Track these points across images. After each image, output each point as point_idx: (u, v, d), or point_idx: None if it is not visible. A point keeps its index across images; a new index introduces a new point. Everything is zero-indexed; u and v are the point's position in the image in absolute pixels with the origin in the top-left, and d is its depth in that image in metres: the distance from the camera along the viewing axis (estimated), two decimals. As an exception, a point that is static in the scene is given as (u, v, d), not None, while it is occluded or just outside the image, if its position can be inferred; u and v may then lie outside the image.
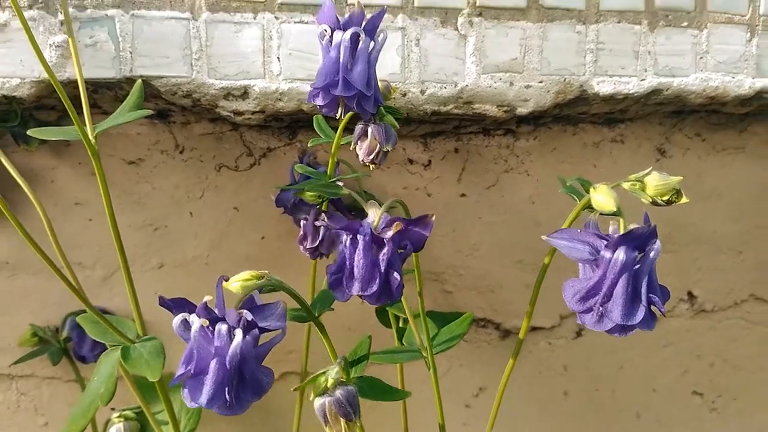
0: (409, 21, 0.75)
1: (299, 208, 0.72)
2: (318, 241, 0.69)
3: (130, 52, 0.70)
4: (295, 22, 0.73)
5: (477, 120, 0.83)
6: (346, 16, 0.57)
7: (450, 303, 0.93)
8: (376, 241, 0.52)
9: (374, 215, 0.54)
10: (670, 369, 1.01)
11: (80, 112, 0.62)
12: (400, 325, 0.83)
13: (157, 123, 0.80)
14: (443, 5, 0.76)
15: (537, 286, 0.60)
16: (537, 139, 0.90)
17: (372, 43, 0.58)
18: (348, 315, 0.87)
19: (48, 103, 0.75)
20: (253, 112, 0.75)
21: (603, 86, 0.80)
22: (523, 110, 0.80)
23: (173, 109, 0.79)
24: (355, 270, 0.51)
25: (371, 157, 0.60)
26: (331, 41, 0.58)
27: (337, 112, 0.59)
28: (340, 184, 0.68)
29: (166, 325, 0.70)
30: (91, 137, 0.59)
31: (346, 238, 0.52)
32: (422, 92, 0.76)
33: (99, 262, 0.83)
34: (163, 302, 0.47)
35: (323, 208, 0.69)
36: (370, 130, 0.60)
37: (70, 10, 0.67)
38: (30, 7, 0.68)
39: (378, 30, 0.59)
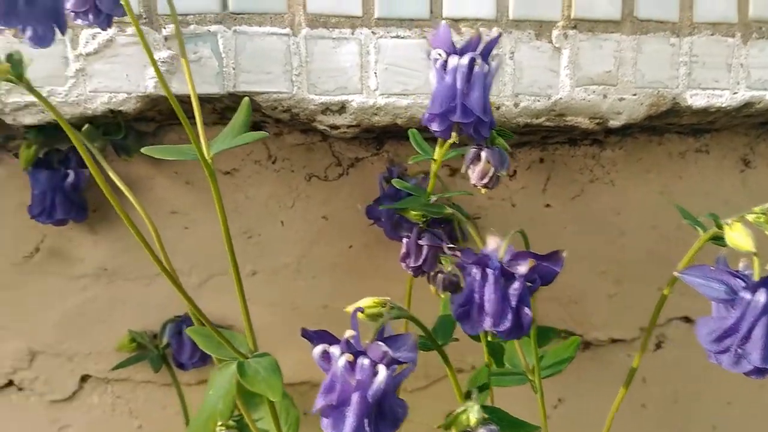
0: (504, 34, 0.75)
1: (399, 225, 0.72)
2: (422, 260, 0.69)
3: (233, 68, 0.72)
4: (391, 37, 0.74)
5: (565, 131, 0.83)
6: (463, 40, 0.57)
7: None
8: (505, 275, 0.52)
9: (496, 245, 0.55)
10: (747, 383, 0.99)
11: (178, 125, 0.63)
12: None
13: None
14: (538, 18, 0.76)
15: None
16: (623, 149, 0.89)
17: (487, 68, 0.58)
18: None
19: (147, 115, 0.77)
20: (349, 126, 0.76)
21: (696, 99, 0.80)
22: (615, 123, 0.80)
23: (267, 121, 0.80)
24: (486, 305, 0.52)
25: (484, 180, 0.61)
26: (445, 66, 0.59)
27: (450, 136, 0.60)
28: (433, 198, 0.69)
29: (260, 333, 0.72)
30: (208, 158, 0.61)
31: (475, 272, 0.53)
32: (516, 105, 0.76)
33: (194, 269, 0.85)
34: (306, 334, 0.48)
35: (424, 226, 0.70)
36: (483, 154, 0.61)
37: (173, 26, 0.69)
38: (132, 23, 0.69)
39: (492, 54, 0.59)
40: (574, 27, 0.77)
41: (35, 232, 0.80)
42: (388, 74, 0.74)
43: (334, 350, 0.48)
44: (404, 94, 0.75)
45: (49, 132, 0.73)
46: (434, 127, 0.60)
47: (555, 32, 0.77)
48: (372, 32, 0.74)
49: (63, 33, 0.50)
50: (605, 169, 0.90)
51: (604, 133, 0.87)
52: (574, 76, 0.77)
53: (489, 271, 0.52)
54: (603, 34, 0.78)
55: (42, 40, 0.49)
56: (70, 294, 0.83)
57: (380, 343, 0.46)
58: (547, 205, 0.90)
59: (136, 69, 0.69)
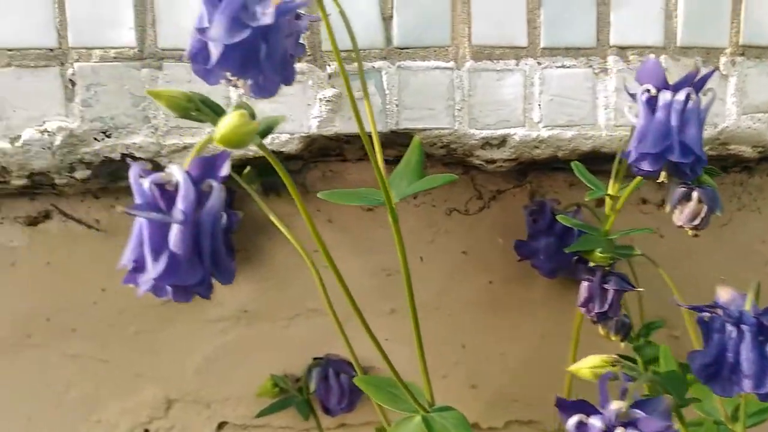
0: (671, 62, 0.72)
1: (576, 267, 0.68)
2: (607, 305, 0.66)
3: (396, 105, 0.68)
4: (556, 67, 0.70)
5: (721, 159, 0.79)
6: (683, 75, 0.54)
7: (677, 347, 0.89)
8: (763, 332, 0.48)
9: (730, 296, 0.51)
10: None
11: (322, 162, 0.60)
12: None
13: (392, 167, 0.78)
14: (706, 45, 0.73)
15: None
16: (770, 174, 0.85)
17: (701, 103, 0.55)
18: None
19: (300, 154, 0.74)
20: (506, 160, 0.73)
21: None
22: (778, 151, 0.76)
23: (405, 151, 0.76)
24: (744, 365, 0.48)
25: (695, 222, 0.57)
26: (654, 101, 0.55)
27: (659, 176, 0.56)
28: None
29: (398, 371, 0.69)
30: (393, 203, 0.57)
31: (729, 329, 0.49)
32: (681, 136, 0.73)
33: (338, 308, 0.81)
34: (560, 403, 0.44)
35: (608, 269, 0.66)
36: (695, 194, 0.57)
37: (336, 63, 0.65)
38: (299, 60, 0.66)
39: (705, 89, 0.55)
40: (742, 54, 0.73)
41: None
42: (553, 105, 0.71)
43: (594, 422, 0.45)
44: (569, 126, 0.71)
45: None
46: (644, 166, 0.56)
47: (723, 59, 0.73)
48: (537, 62, 0.70)
49: (289, 84, 0.47)
50: (752, 196, 0.86)
51: (757, 160, 0.83)
52: (740, 104, 0.74)
53: (744, 327, 0.48)
54: (770, 60, 0.74)
55: (264, 91, 0.45)
56: (209, 338, 0.79)
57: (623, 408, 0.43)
58: (696, 234, 0.86)
59: (300, 109, 0.66)
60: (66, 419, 0.78)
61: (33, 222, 0.72)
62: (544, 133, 0.71)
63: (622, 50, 0.71)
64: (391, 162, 0.74)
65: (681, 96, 0.54)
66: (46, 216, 0.73)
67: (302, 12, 0.49)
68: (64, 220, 0.73)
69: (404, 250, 0.60)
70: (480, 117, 0.70)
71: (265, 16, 0.42)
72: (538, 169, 0.82)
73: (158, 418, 0.81)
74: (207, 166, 0.42)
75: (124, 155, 0.65)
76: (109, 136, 0.64)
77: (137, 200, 0.41)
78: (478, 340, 0.86)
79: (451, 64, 0.69)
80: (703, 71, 0.55)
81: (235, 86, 0.45)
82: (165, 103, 0.44)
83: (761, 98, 0.74)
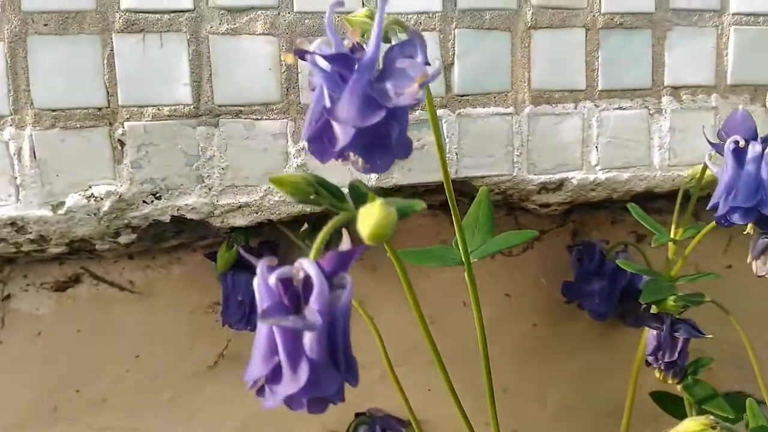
0: (721, 100, 0.72)
1: (643, 315, 0.67)
2: (677, 354, 0.64)
3: (456, 153, 0.66)
4: (614, 109, 0.69)
5: None
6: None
7: (710, 377, 0.89)
8: None
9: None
10: None
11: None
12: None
13: (439, 214, 0.76)
14: (754, 82, 0.72)
15: None
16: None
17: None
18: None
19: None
20: (561, 204, 0.71)
21: None
22: (817, 184, 0.76)
23: (463, 200, 0.74)
24: None
25: (777, 273, 0.57)
26: (743, 152, 0.54)
27: (744, 226, 0.56)
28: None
29: (436, 425, 0.67)
30: (471, 263, 0.55)
31: None
32: (731, 174, 0.72)
33: (377, 361, 0.78)
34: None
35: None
36: (778, 245, 0.57)
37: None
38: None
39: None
40: (788, 89, 0.73)
41: (212, 336, 0.72)
42: (610, 147, 0.70)
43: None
44: (625, 167, 0.71)
45: (248, 232, 0.65)
46: (735, 219, 0.56)
47: (769, 96, 0.73)
48: (595, 105, 0.69)
49: (407, 157, 0.43)
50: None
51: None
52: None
53: None
54: (814, 96, 0.75)
55: (380, 167, 0.42)
56: (246, 401, 0.75)
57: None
58: (729, 266, 0.86)
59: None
60: (95, 495, 0.72)
61: (62, 287, 0.67)
62: (601, 176, 0.70)
63: (675, 90, 0.71)
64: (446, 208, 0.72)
65: (772, 149, 0.53)
66: (76, 280, 0.67)
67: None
68: (95, 284, 0.68)
69: (481, 314, 0.58)
70: (538, 162, 0.68)
71: (403, 96, 0.38)
72: (581, 208, 0.81)
73: (195, 487, 0.76)
74: (339, 259, 0.38)
75: (174, 217, 0.60)
76: (159, 198, 0.60)
77: (265, 302, 0.37)
78: (520, 384, 0.85)
79: (510, 109, 0.67)
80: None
81: (346, 161, 0.41)
82: (288, 190, 0.41)
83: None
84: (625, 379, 0.86)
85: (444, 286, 0.80)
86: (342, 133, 0.39)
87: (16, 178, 0.57)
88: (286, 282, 0.38)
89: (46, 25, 0.56)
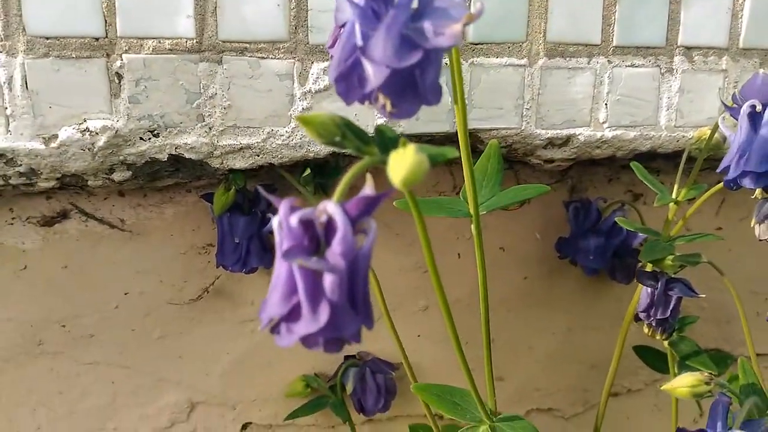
0: (731, 63, 0.70)
1: (639, 272, 0.67)
2: (669, 312, 0.64)
3: (466, 104, 0.63)
4: (626, 66, 0.67)
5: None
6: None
7: (690, 335, 0.91)
8: None
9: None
10: None
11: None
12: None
13: (439, 166, 0.74)
14: (765, 47, 0.71)
15: None
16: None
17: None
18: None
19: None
20: (565, 160, 0.69)
21: None
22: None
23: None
24: None
25: (780, 238, 0.56)
26: (759, 117, 0.53)
27: (755, 189, 0.55)
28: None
29: (425, 369, 0.67)
30: (479, 216, 0.53)
31: None
32: (735, 138, 0.71)
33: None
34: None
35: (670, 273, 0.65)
36: (784, 209, 0.56)
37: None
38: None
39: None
40: (799, 55, 0.72)
41: (204, 276, 0.70)
42: (620, 106, 0.68)
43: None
44: (632, 126, 0.69)
45: (248, 174, 0.63)
46: (746, 183, 0.55)
47: (780, 60, 0.71)
48: (608, 61, 0.66)
49: (436, 104, 0.40)
50: (773, 189, 0.87)
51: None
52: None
53: None
54: (823, 60, 0.73)
55: (406, 113, 0.39)
56: (237, 339, 0.74)
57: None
58: (719, 228, 0.86)
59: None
60: (79, 428, 0.71)
61: (49, 222, 0.64)
62: (608, 134, 0.68)
63: (688, 50, 0.69)
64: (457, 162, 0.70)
65: (790, 114, 0.52)
66: (64, 216, 0.64)
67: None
68: (84, 220, 0.65)
69: (484, 265, 0.56)
70: (547, 116, 0.66)
71: (443, 36, 0.35)
72: (579, 164, 0.79)
73: (180, 422, 0.75)
74: (364, 204, 0.36)
75: (171, 156, 0.57)
76: (157, 136, 0.56)
77: (287, 242, 0.35)
78: (508, 334, 0.85)
79: (524, 61, 0.64)
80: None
81: (373, 104, 0.38)
82: (315, 129, 0.38)
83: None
84: (609, 333, 0.86)
85: (439, 237, 0.78)
86: (375, 73, 0.36)
87: (6, 108, 0.53)
88: (307, 223, 0.36)
89: (41, -57, 0.51)
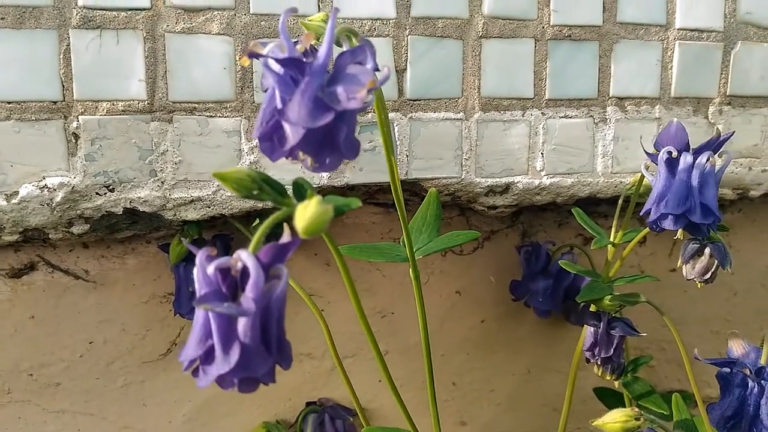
0: (664, 111, 0.75)
1: (583, 312, 0.70)
2: (612, 350, 0.67)
3: (407, 155, 0.68)
4: (560, 117, 0.72)
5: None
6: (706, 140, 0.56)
7: (650, 376, 0.93)
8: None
9: (742, 350, 0.54)
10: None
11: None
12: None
13: (392, 211, 0.78)
14: (696, 95, 0.76)
15: None
16: (741, 211, 0.90)
17: (719, 166, 0.57)
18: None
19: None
20: (507, 206, 0.74)
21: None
22: (755, 193, 0.80)
23: (412, 200, 0.76)
24: (765, 418, 0.51)
25: (706, 276, 0.60)
26: (674, 162, 0.57)
27: (675, 231, 0.59)
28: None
29: (386, 413, 0.69)
30: (415, 260, 0.57)
31: (750, 384, 0.52)
32: (673, 183, 0.76)
33: (327, 353, 0.80)
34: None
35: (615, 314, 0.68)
36: (707, 250, 0.60)
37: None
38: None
39: (721, 151, 0.58)
40: (729, 103, 0.76)
41: (165, 324, 0.74)
42: (555, 154, 0.72)
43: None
44: (569, 174, 0.73)
45: (203, 225, 0.67)
46: (665, 225, 0.59)
47: (711, 108, 0.76)
48: (542, 113, 0.71)
49: (355, 158, 0.45)
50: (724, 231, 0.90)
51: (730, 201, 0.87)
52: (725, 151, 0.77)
53: (765, 383, 0.51)
54: (752, 109, 0.78)
55: (329, 166, 0.44)
56: (200, 389, 0.77)
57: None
58: (672, 270, 0.90)
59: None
60: (46, 476, 0.74)
61: (17, 274, 0.68)
62: (546, 181, 0.72)
63: (620, 101, 0.73)
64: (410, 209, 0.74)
65: (703, 159, 0.56)
66: (32, 267, 0.69)
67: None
68: (50, 271, 0.69)
69: (423, 309, 0.60)
70: (486, 165, 0.71)
71: (354, 100, 0.40)
72: (529, 210, 0.83)
73: (144, 472, 0.78)
74: (276, 251, 0.40)
75: (126, 209, 0.62)
76: (112, 190, 0.61)
77: (202, 289, 0.39)
78: (469, 377, 0.87)
79: (460, 115, 0.69)
80: (723, 135, 0.57)
81: (295, 160, 0.43)
82: (231, 185, 0.42)
83: (743, 144, 0.78)
84: (568, 374, 0.89)
85: (397, 281, 0.82)
86: (292, 133, 0.41)
87: (-30, 167, 0.59)
88: (224, 271, 0.40)
89: (2, 18, 0.57)
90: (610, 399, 0.86)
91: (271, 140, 0.42)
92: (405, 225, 0.58)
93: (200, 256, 0.40)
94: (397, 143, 0.68)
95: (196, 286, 0.41)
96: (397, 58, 0.67)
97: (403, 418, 0.63)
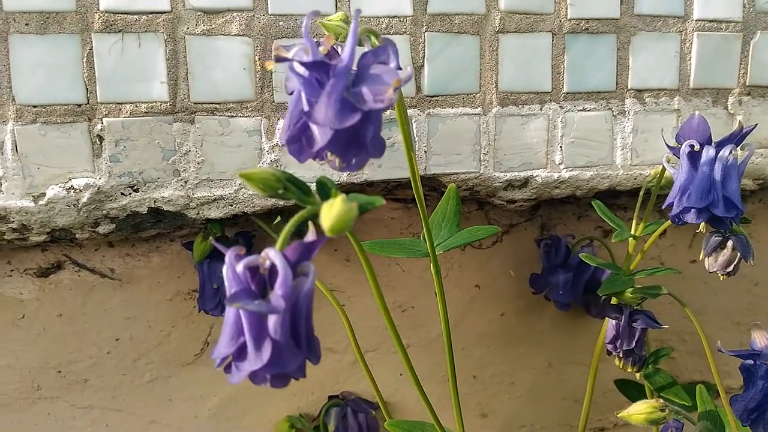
0: (683, 102, 0.74)
1: (604, 305, 0.70)
2: (634, 343, 0.68)
3: (425, 151, 0.69)
4: (578, 110, 0.72)
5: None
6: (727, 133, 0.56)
7: (671, 367, 0.93)
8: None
9: (766, 341, 0.54)
10: None
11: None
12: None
13: (411, 207, 0.79)
14: (716, 86, 0.75)
15: None
16: (762, 201, 0.89)
17: (742, 158, 0.57)
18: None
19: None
20: (527, 200, 0.74)
21: None
22: (775, 184, 0.80)
23: (431, 194, 0.77)
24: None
25: (729, 269, 0.60)
26: (697, 156, 0.57)
27: (698, 225, 0.59)
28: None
29: (408, 406, 0.70)
30: (436, 255, 0.58)
31: None
32: (692, 174, 0.75)
33: (349, 347, 0.81)
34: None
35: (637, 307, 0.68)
36: (730, 242, 0.60)
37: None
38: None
39: (744, 143, 0.58)
40: (749, 94, 0.76)
41: (189, 320, 0.75)
42: (574, 147, 0.73)
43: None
44: (588, 167, 0.73)
45: (225, 223, 0.68)
46: (688, 219, 0.59)
47: (731, 99, 0.76)
48: (560, 107, 0.71)
49: (381, 156, 0.46)
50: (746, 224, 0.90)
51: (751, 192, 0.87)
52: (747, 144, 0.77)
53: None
54: (773, 99, 0.77)
55: (355, 166, 0.44)
56: (225, 381, 0.78)
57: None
58: (693, 261, 0.89)
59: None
60: (76, 471, 0.76)
61: (44, 273, 0.70)
62: (565, 174, 0.73)
63: (639, 93, 0.73)
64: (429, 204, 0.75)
65: (726, 152, 0.56)
66: (59, 267, 0.70)
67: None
68: (77, 270, 0.71)
69: (444, 304, 0.61)
70: (504, 160, 0.71)
71: (380, 101, 0.40)
72: (548, 203, 0.84)
73: (172, 464, 0.79)
74: (303, 249, 0.41)
75: (151, 209, 0.63)
76: (136, 190, 0.62)
77: (232, 288, 0.40)
78: (489, 370, 0.88)
79: (478, 110, 0.69)
80: (746, 128, 0.57)
81: (323, 161, 0.44)
82: (257, 185, 0.43)
83: (763, 135, 0.77)
84: (589, 367, 0.89)
85: (417, 276, 0.83)
86: (321, 135, 0.42)
87: (-2, 170, 0.60)
88: (253, 269, 0.41)
89: (27, 24, 0.59)
90: (631, 391, 0.86)
91: (299, 142, 0.43)
92: (425, 221, 0.58)
93: (229, 255, 0.41)
94: (416, 139, 0.68)
95: (226, 284, 0.41)
96: (415, 55, 0.67)
97: (426, 411, 0.63)
